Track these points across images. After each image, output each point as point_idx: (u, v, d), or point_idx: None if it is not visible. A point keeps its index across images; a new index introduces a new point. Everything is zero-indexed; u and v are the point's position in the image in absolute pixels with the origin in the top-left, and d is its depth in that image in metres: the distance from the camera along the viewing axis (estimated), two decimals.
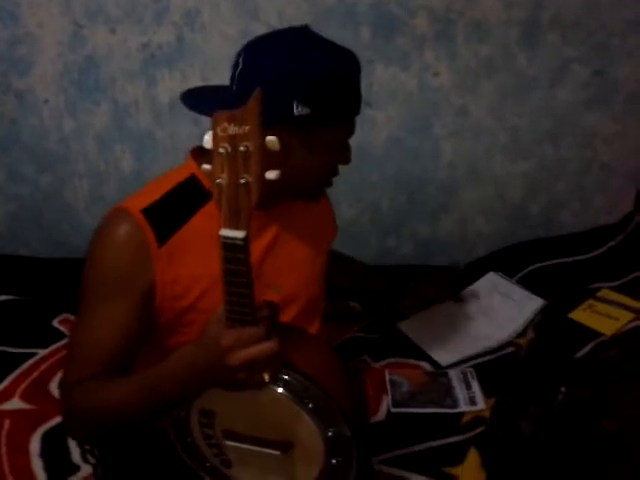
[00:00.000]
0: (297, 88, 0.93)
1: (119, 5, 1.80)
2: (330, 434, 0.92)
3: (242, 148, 0.72)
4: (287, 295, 1.11)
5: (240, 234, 0.74)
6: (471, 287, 1.84)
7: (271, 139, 0.73)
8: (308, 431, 0.92)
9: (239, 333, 0.80)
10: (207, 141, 0.73)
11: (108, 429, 1.01)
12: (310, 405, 0.91)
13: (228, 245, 0.75)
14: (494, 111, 1.92)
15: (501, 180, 2.01)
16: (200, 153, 1.06)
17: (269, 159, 0.93)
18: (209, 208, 1.00)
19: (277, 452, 0.94)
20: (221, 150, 0.72)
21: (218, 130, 0.72)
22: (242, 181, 0.72)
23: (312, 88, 0.93)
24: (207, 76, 1.84)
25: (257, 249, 1.05)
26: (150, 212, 0.97)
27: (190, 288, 1.00)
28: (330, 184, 1.11)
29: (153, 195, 1.00)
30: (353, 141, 1.88)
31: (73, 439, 1.29)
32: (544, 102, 1.90)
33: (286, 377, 0.90)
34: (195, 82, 1.86)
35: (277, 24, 1.78)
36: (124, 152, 1.94)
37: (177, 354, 0.88)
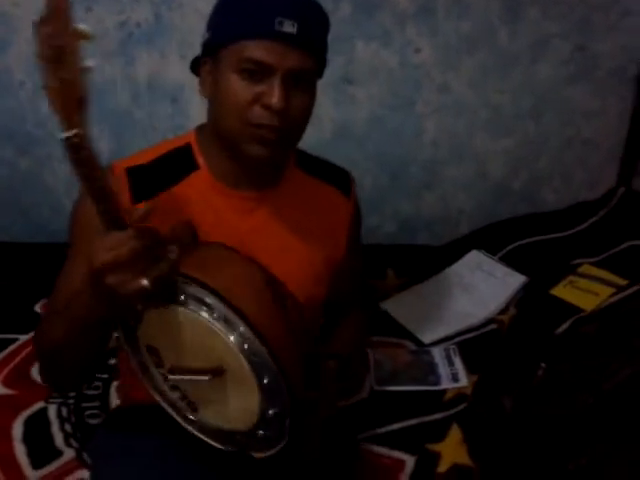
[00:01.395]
0: (209, 18, 1.01)
1: None
2: (246, 346, 0.88)
3: (59, 44, 0.72)
4: None
5: (72, 132, 0.75)
6: (454, 265, 1.85)
7: (82, 26, 0.73)
8: (227, 349, 0.88)
9: (103, 237, 0.81)
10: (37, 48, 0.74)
11: (70, 364, 1.00)
12: (215, 315, 0.87)
13: (69, 146, 0.76)
14: (476, 88, 1.91)
15: (483, 157, 2.01)
16: (203, 128, 1.07)
17: (207, 113, 1.00)
18: (194, 178, 1.03)
19: (207, 377, 0.91)
20: (45, 52, 0.73)
21: (39, 33, 0.73)
22: (65, 76, 0.73)
23: (213, 13, 1.00)
24: (185, 53, 1.81)
25: (245, 226, 1.06)
26: (133, 172, 1.01)
27: None
28: (262, 136, 0.97)
29: (145, 157, 1.04)
30: (335, 118, 1.89)
31: (54, 389, 1.32)
32: (525, 78, 1.90)
33: (189, 292, 0.87)
34: (173, 60, 1.83)
35: None
36: (103, 132, 1.91)
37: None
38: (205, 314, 0.87)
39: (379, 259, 1.85)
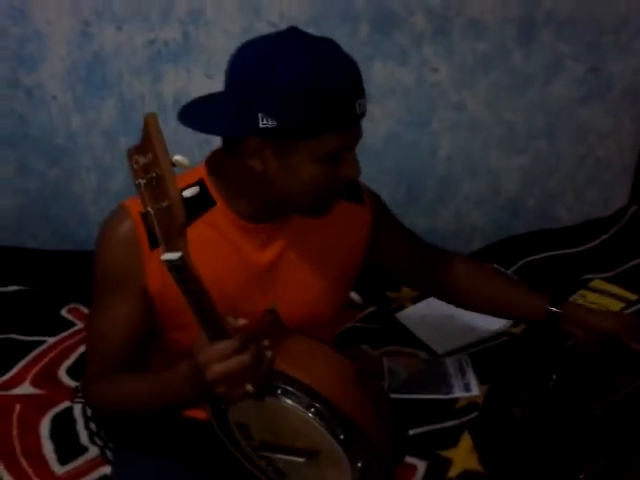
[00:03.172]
0: (261, 99, 0.89)
1: (126, 3, 1.84)
2: (342, 437, 0.95)
3: (153, 174, 0.74)
4: (288, 313, 1.07)
5: (176, 255, 0.76)
6: None
7: (178, 159, 0.75)
8: (321, 435, 0.95)
9: (211, 348, 0.83)
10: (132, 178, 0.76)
11: (127, 419, 1.10)
12: (312, 409, 0.94)
13: (172, 267, 0.77)
14: (490, 106, 1.96)
15: (497, 174, 2.06)
16: (214, 160, 1.05)
17: (245, 172, 0.96)
18: (211, 215, 0.99)
19: (303, 459, 0.98)
20: (139, 181, 0.75)
21: (133, 164, 0.75)
22: (164, 205, 0.74)
23: (277, 100, 0.88)
24: (210, 72, 1.89)
25: (265, 257, 1.06)
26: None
27: (178, 294, 1.00)
28: (334, 199, 1.02)
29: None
30: None
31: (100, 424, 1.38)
32: (539, 98, 1.95)
33: (282, 386, 0.93)
34: (199, 78, 1.91)
35: (278, 21, 1.83)
36: (130, 146, 1.99)
37: (175, 369, 0.94)
38: (298, 406, 0.94)
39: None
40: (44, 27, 1.89)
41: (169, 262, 0.76)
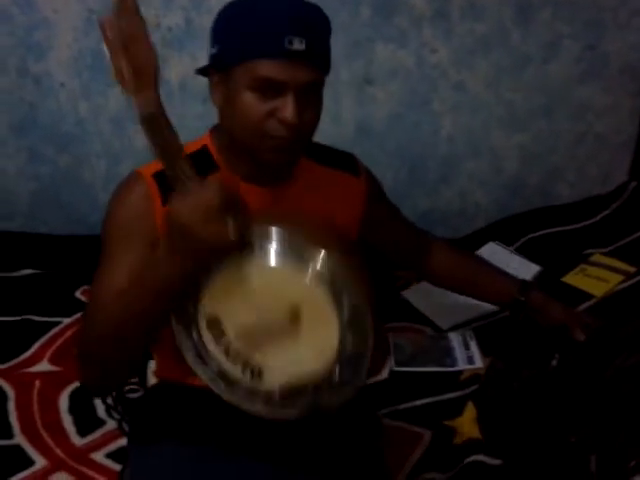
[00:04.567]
0: (212, 30, 1.01)
1: None
2: (324, 276, 0.90)
3: (125, 28, 0.81)
4: None
5: (150, 102, 0.83)
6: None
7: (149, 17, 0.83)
8: (304, 285, 0.92)
9: (187, 198, 0.86)
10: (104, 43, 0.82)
11: (123, 354, 1.02)
12: (295, 255, 0.91)
13: (144, 118, 0.83)
14: (490, 86, 1.99)
15: (498, 153, 2.09)
16: (216, 127, 1.10)
17: (221, 117, 1.02)
18: (215, 178, 1.01)
19: (287, 323, 0.92)
20: (110, 36, 0.81)
21: (105, 26, 0.81)
22: (136, 54, 0.82)
23: (217, 25, 1.00)
24: None
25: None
26: (159, 176, 1.02)
27: None
28: (278, 146, 1.01)
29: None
30: (355, 117, 1.98)
31: (95, 393, 1.36)
32: (538, 77, 1.97)
33: (261, 231, 0.91)
34: (203, 62, 1.92)
35: None
36: (137, 131, 2.02)
37: (152, 255, 0.93)
38: (277, 257, 0.91)
39: None
40: (51, 15, 1.92)
41: (143, 113, 0.82)
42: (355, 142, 2.00)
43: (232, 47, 0.99)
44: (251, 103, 0.98)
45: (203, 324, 0.94)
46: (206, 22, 1.87)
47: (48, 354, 1.59)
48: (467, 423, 1.37)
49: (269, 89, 0.98)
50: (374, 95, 1.99)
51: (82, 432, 1.39)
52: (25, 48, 1.96)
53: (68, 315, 1.72)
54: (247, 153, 1.04)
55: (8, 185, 2.15)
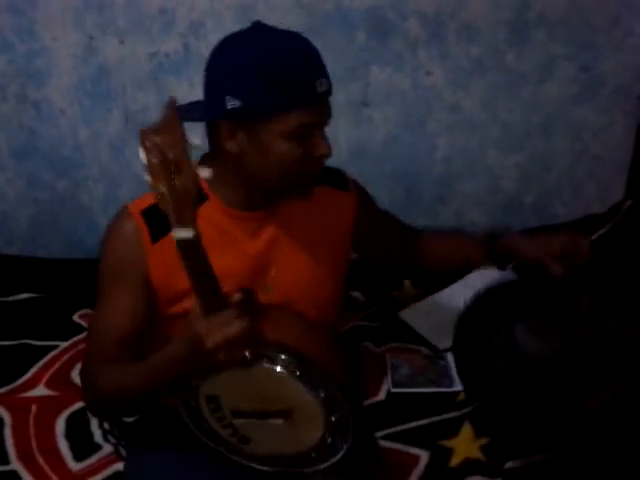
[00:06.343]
0: (224, 81, 0.99)
1: (128, 18, 1.90)
2: (322, 394, 0.99)
3: (170, 155, 0.78)
4: (284, 296, 1.15)
5: (189, 232, 0.81)
6: (468, 276, 1.92)
7: (196, 142, 0.80)
8: (301, 395, 1.00)
9: (212, 319, 0.89)
10: (142, 156, 0.80)
11: (126, 407, 1.14)
12: (297, 373, 0.98)
13: (182, 244, 0.82)
14: (486, 107, 2.00)
15: (494, 172, 2.10)
16: (205, 156, 1.11)
17: (225, 158, 1.03)
18: (205, 210, 1.04)
19: (280, 421, 1.03)
20: (154, 160, 0.79)
21: (147, 143, 0.79)
22: (180, 184, 0.79)
23: (238, 79, 0.98)
24: None
25: (252, 249, 1.12)
26: (148, 213, 1.06)
27: (181, 281, 1.04)
28: (311, 178, 1.07)
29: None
30: (352, 139, 1.99)
31: (95, 417, 1.41)
32: (533, 97, 1.99)
33: (268, 352, 0.98)
34: (201, 88, 1.95)
35: None
36: (135, 155, 2.04)
37: (169, 346, 1.00)
38: (283, 369, 0.99)
39: (396, 270, 1.93)
40: (50, 43, 1.94)
41: (181, 240, 0.80)
42: (352, 163, 1.96)
43: (261, 102, 0.98)
44: (288, 151, 1.01)
45: (202, 398, 1.04)
46: (203, 48, 1.92)
47: (45, 378, 1.59)
48: (464, 443, 1.37)
49: (304, 134, 1.00)
50: (371, 117, 2.00)
51: (78, 457, 1.38)
52: (25, 75, 1.98)
53: (66, 339, 1.72)
54: (270, 191, 1.07)
55: (7, 210, 2.17)
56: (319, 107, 1.01)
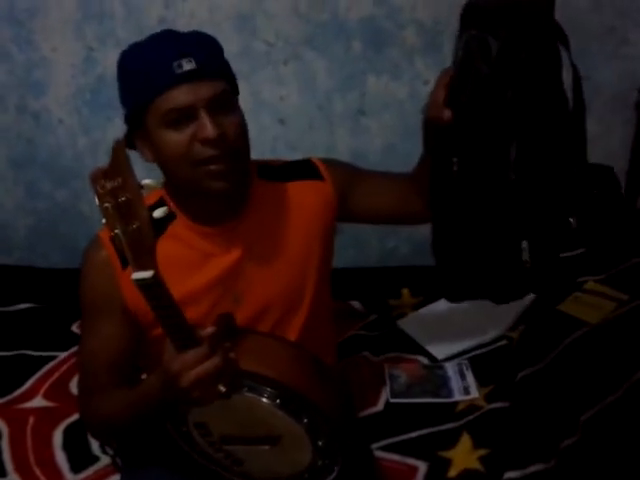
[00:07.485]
0: (120, 98, 1.05)
1: (128, 28, 1.91)
2: (305, 421, 1.00)
3: (122, 199, 0.77)
4: (260, 306, 1.13)
5: (149, 274, 0.79)
6: None
7: (147, 182, 0.80)
8: (285, 422, 1.00)
9: (183, 357, 0.88)
10: (95, 201, 0.79)
11: (119, 433, 1.18)
12: (278, 401, 0.99)
13: (143, 285, 0.80)
14: None
15: None
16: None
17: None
18: (174, 229, 1.07)
19: (267, 446, 1.04)
20: (106, 205, 0.78)
21: (98, 189, 0.78)
22: (135, 227, 0.78)
23: (120, 91, 1.04)
24: None
25: (223, 263, 1.11)
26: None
27: None
28: (217, 167, 1.01)
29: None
30: (350, 148, 2.00)
31: (95, 439, 1.42)
32: None
33: (247, 382, 0.98)
34: None
35: (274, 41, 1.89)
36: (135, 165, 2.05)
37: (147, 380, 1.02)
38: (264, 399, 0.99)
39: (395, 279, 1.94)
40: (49, 54, 1.96)
41: (140, 281, 0.79)
42: None
43: (133, 99, 1.01)
44: (171, 139, 0.99)
45: (191, 424, 1.05)
46: None
47: (43, 389, 1.59)
48: (463, 453, 1.36)
49: (181, 119, 0.98)
50: (368, 126, 2.01)
51: (75, 469, 1.38)
52: (25, 86, 2.00)
53: (64, 349, 1.72)
54: (192, 192, 1.05)
55: (6, 219, 2.18)
56: (190, 87, 0.97)
